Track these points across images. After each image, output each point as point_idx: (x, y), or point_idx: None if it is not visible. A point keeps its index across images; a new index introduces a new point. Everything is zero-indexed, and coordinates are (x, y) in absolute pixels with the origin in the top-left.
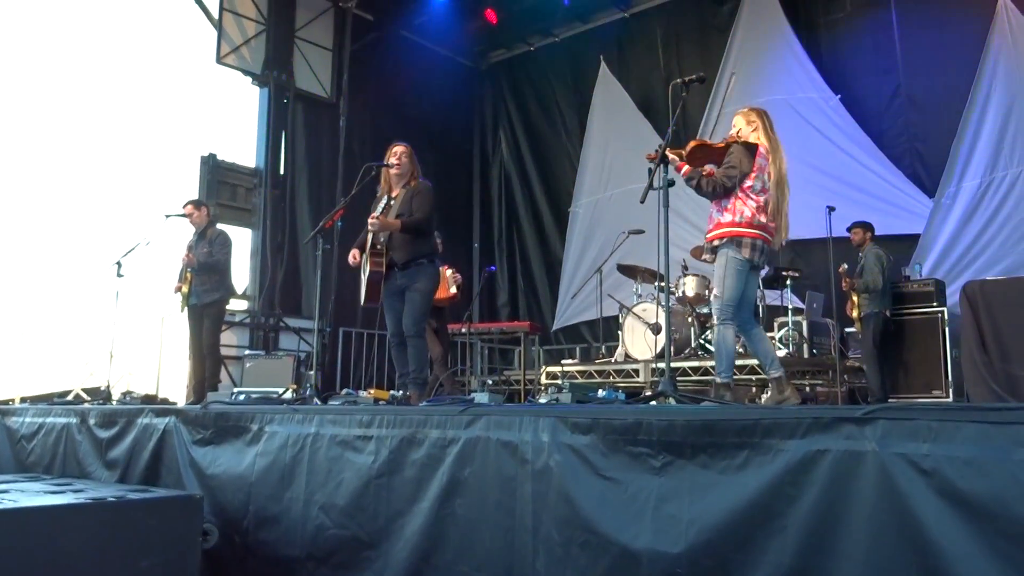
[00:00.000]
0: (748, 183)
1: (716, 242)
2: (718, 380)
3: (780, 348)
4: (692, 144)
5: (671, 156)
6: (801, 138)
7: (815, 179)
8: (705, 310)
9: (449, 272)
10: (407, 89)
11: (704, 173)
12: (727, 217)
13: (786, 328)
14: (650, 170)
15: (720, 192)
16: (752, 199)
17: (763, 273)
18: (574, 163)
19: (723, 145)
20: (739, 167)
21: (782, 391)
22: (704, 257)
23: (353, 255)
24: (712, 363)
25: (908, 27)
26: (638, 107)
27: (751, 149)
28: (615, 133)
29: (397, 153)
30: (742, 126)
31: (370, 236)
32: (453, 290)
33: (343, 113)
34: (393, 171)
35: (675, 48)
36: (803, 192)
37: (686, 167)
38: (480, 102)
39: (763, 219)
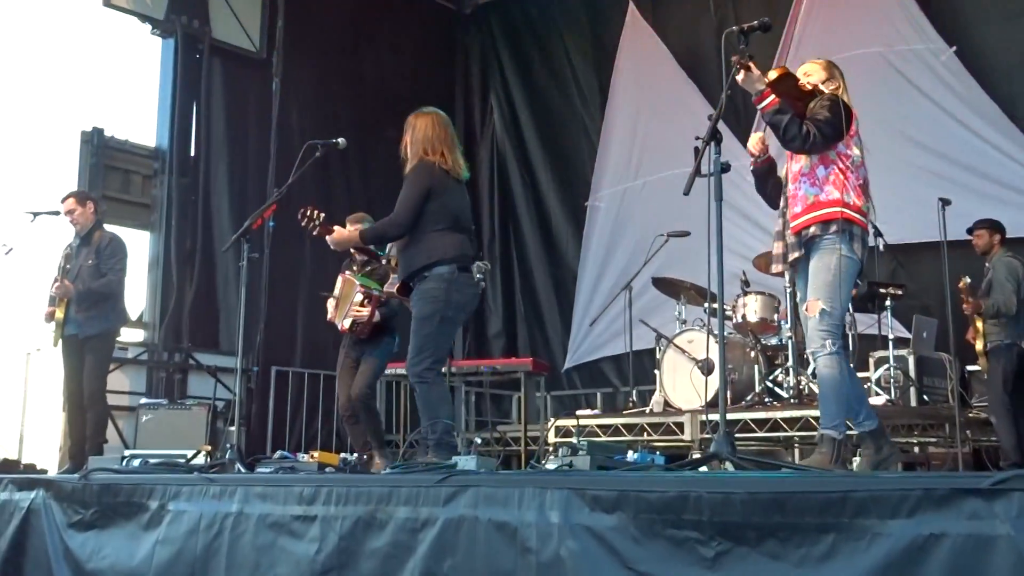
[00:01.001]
0: (848, 151)
1: (813, 228)
2: (833, 435)
3: (878, 394)
4: (778, 71)
5: (752, 73)
6: (902, 105)
7: (922, 161)
8: (774, 341)
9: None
10: (363, 41)
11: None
12: (832, 193)
13: (886, 366)
14: (696, 149)
15: (816, 146)
16: (853, 174)
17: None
18: (593, 140)
19: (810, 89)
20: (838, 124)
21: (879, 450)
22: (775, 269)
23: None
24: (785, 414)
25: None
26: (680, 64)
27: (847, 107)
28: (648, 100)
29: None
30: (819, 78)
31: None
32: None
33: (277, 73)
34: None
35: None
36: (906, 179)
37: (772, 97)
38: (464, 58)
39: (867, 206)
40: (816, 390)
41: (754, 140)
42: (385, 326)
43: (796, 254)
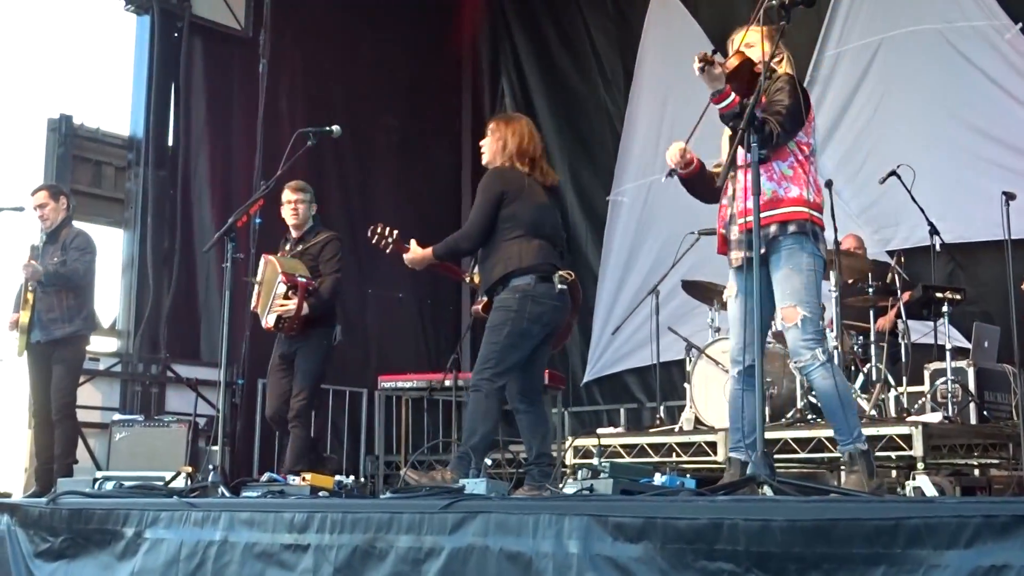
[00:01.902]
0: (807, 139)
1: (773, 228)
2: (861, 447)
3: (934, 410)
4: (737, 57)
5: (714, 69)
6: (961, 88)
7: (983, 150)
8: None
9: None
10: (360, 17)
11: None
12: (791, 190)
13: (943, 380)
14: (731, 138)
15: (779, 145)
16: (813, 166)
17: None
18: (616, 128)
19: (758, 67)
20: (799, 113)
21: (872, 474)
22: (732, 256)
23: None
24: (829, 432)
25: None
26: (713, 43)
27: (802, 88)
28: (678, 83)
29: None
30: (759, 47)
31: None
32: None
33: (264, 54)
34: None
35: None
36: (965, 171)
37: (732, 96)
38: (473, 37)
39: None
40: (864, 405)
41: (674, 151)
42: (318, 318)
43: (747, 253)
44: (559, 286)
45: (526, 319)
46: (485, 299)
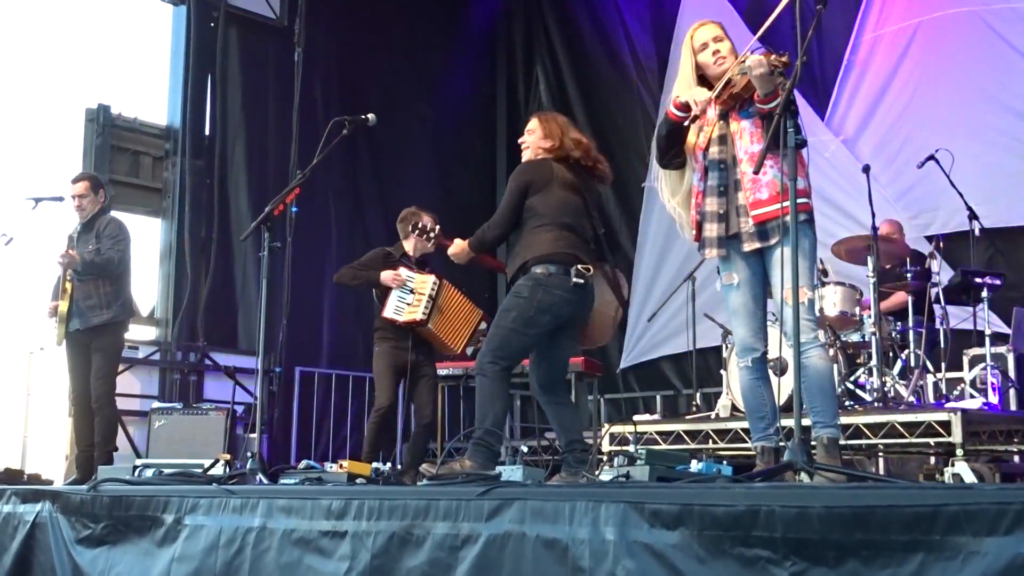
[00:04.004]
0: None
1: (789, 218)
2: (838, 436)
3: (973, 396)
4: (788, 58)
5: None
6: (1001, 71)
7: (1022, 133)
8: (855, 337)
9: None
10: (393, 6)
11: None
12: (800, 181)
13: (982, 366)
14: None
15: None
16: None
17: (938, 278)
18: (651, 114)
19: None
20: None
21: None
22: (710, 254)
23: None
24: (868, 419)
25: None
26: (748, 27)
27: None
28: None
29: (528, 130)
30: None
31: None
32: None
33: (299, 43)
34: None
35: None
36: (1005, 155)
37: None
38: (506, 23)
39: None
40: (903, 392)
41: (703, 96)
42: None
43: (758, 245)
44: (575, 279)
45: (534, 307)
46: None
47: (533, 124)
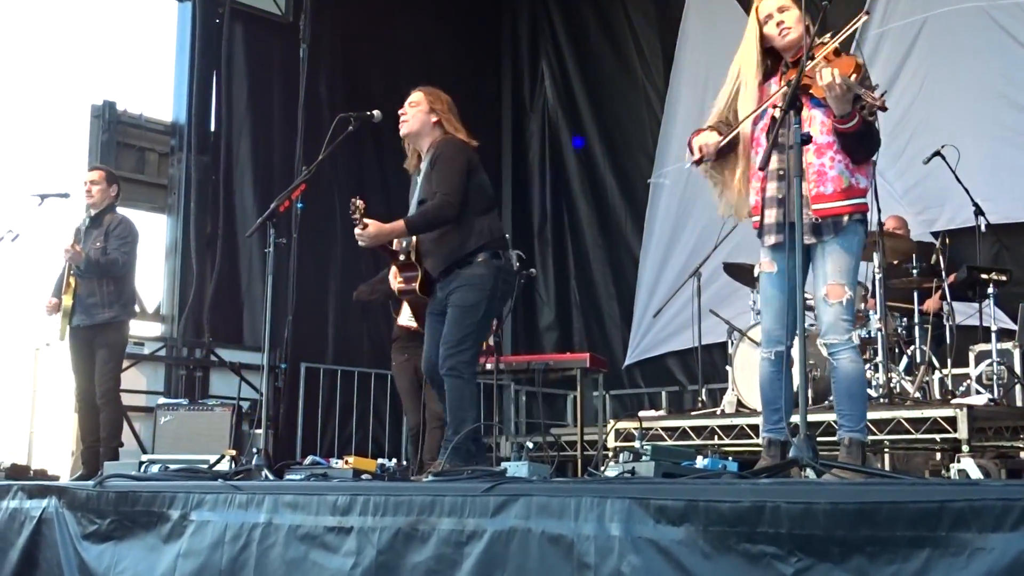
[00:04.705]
0: None
1: (846, 218)
2: (864, 439)
3: (979, 392)
4: (854, 67)
5: (816, 74)
6: (1007, 66)
7: None
8: (861, 333)
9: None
10: (399, 3)
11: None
12: (861, 181)
13: (988, 362)
14: (773, 118)
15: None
16: None
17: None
18: (656, 111)
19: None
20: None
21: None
22: (770, 241)
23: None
24: (874, 415)
25: None
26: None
27: None
28: (719, 65)
29: (410, 102)
30: (802, 28)
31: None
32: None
33: (304, 39)
34: (402, 130)
35: None
36: (1011, 150)
37: (858, 117)
38: (511, 20)
39: None
40: (909, 388)
41: (708, 140)
42: None
43: (812, 239)
44: (515, 263)
45: (497, 298)
46: (419, 275)
47: (418, 96)
